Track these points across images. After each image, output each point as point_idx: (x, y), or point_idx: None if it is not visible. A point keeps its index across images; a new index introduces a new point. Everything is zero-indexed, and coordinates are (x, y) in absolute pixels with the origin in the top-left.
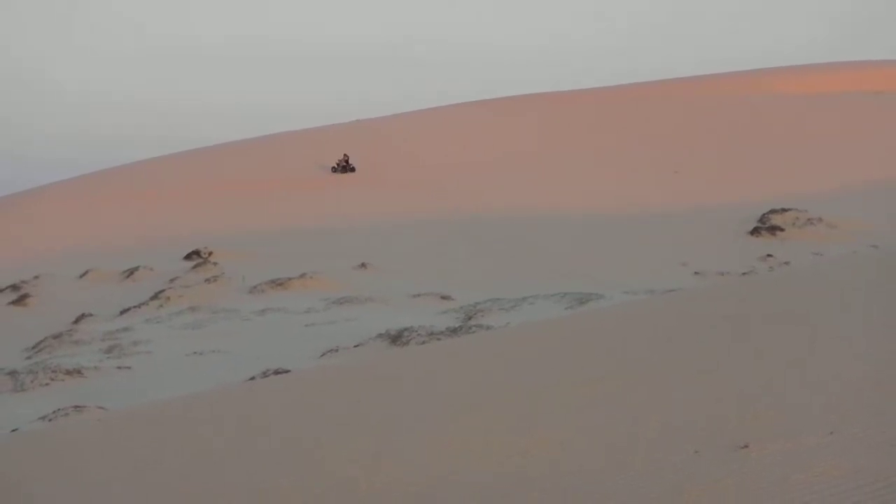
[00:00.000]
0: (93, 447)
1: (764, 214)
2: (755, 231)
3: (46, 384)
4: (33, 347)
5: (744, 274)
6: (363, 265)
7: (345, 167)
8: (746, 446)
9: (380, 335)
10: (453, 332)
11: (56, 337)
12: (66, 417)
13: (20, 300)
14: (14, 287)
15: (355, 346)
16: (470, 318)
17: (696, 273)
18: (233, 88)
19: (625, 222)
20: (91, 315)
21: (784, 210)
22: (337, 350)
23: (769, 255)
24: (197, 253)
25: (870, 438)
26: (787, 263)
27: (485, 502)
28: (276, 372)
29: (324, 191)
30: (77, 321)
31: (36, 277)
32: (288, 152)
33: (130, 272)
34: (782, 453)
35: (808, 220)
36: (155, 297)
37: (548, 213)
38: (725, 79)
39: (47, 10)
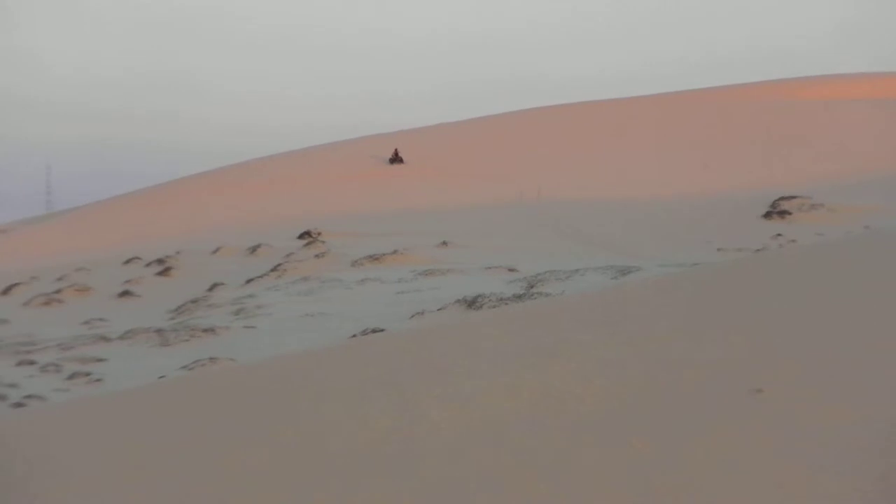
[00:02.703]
0: (226, 392)
1: (775, 201)
2: (768, 215)
3: (187, 340)
4: (175, 310)
5: (757, 250)
6: (445, 243)
7: (394, 159)
8: (760, 390)
9: (458, 301)
10: (519, 297)
11: (194, 302)
12: (202, 367)
13: (165, 271)
14: (160, 261)
15: (438, 310)
16: (532, 287)
17: (718, 249)
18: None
19: (662, 208)
20: (222, 284)
21: (792, 197)
22: (423, 313)
23: (779, 235)
24: (308, 233)
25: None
26: (793, 241)
27: (570, 440)
28: (374, 331)
29: (406, 181)
30: (211, 289)
31: (178, 253)
32: (375, 150)
33: (254, 249)
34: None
35: (812, 205)
36: (274, 269)
37: (596, 200)
38: (751, 88)
39: (198, 9)
